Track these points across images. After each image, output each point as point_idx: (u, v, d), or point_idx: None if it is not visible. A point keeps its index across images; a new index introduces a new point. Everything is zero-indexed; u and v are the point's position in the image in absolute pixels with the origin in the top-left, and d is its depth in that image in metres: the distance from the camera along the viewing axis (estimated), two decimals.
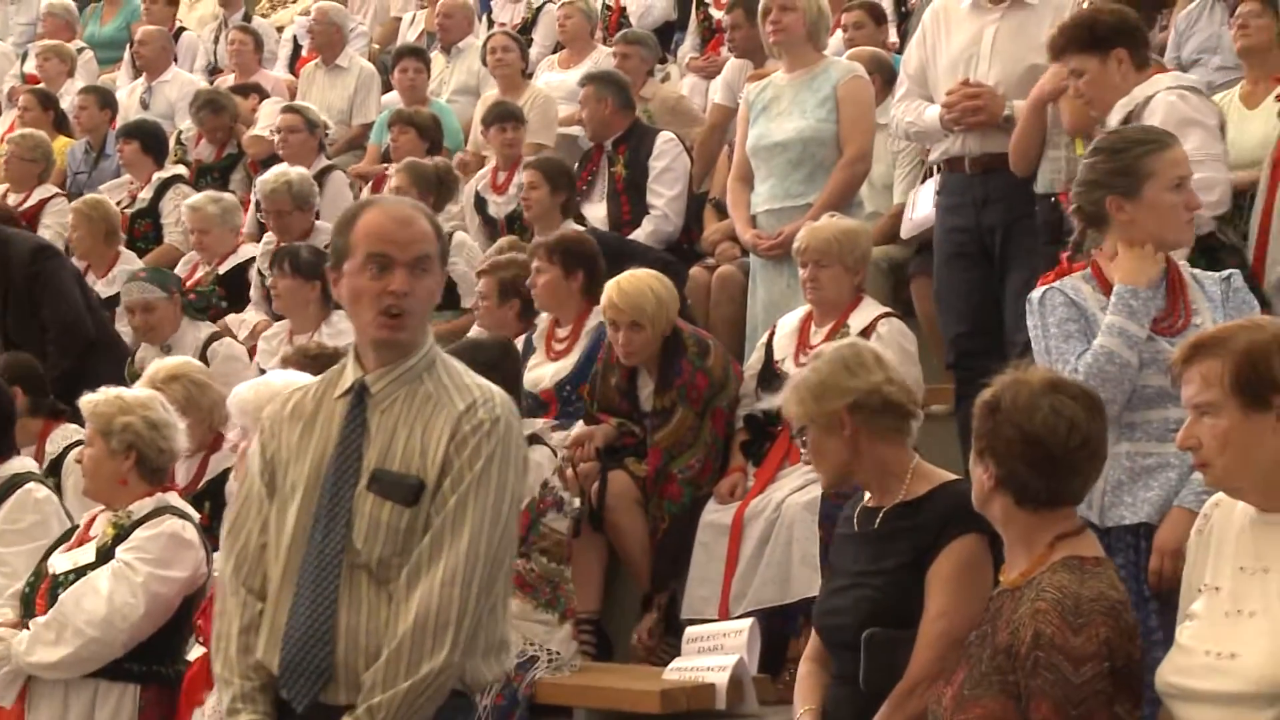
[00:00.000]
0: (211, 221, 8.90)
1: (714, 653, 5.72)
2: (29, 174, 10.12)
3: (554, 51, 10.82)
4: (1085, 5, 6.39)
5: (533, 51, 10.88)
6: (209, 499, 6.29)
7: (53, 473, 6.70)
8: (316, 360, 5.80)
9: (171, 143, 10.60)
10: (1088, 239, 4.56)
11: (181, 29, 12.84)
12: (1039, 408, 3.72)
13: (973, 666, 3.68)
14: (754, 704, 5.69)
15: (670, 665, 5.84)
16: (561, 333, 7.12)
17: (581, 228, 7.93)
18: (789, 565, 5.98)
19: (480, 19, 11.75)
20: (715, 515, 6.30)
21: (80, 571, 5.09)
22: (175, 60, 12.13)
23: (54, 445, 7.05)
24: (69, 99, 11.54)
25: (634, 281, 6.49)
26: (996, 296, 6.37)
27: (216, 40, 12.59)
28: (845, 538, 4.41)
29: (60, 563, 5.18)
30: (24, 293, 8.27)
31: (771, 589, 6.02)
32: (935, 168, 7.00)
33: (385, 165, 9.59)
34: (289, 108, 9.96)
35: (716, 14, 10.33)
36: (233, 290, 8.89)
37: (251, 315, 8.66)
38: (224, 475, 6.24)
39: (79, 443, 6.17)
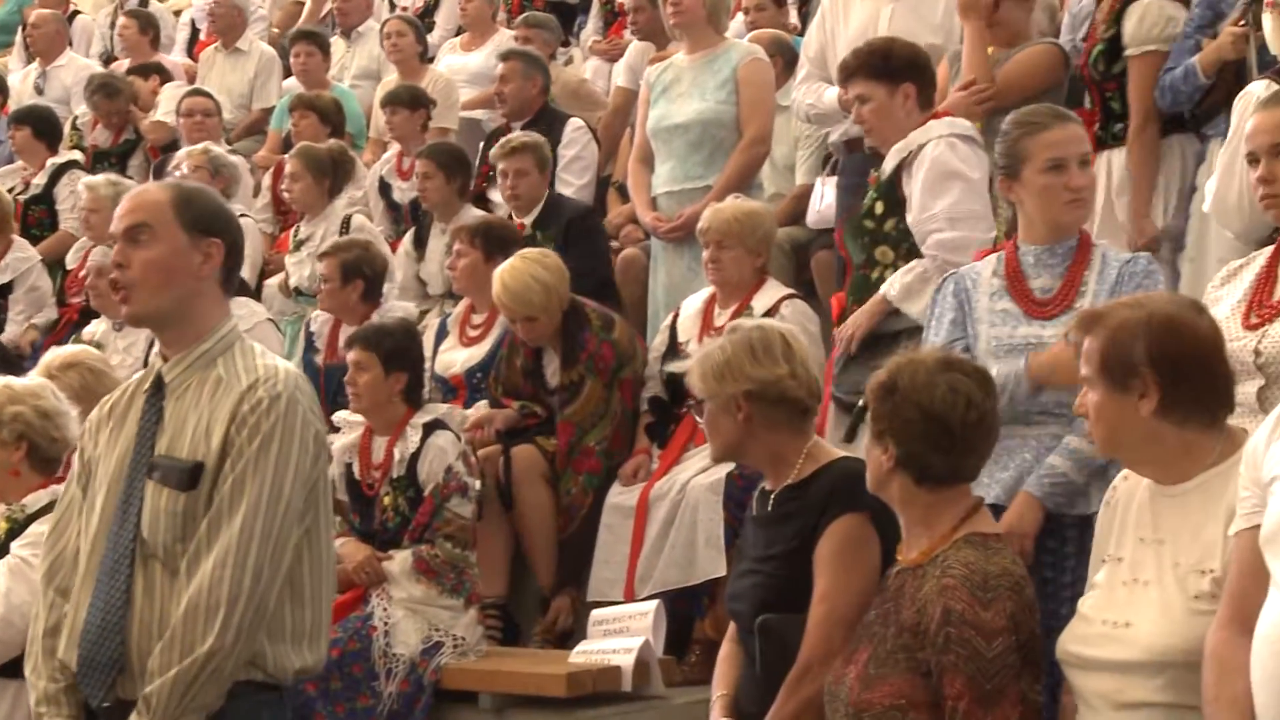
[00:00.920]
0: (103, 203, 8.77)
1: (620, 635, 5.72)
2: None
3: (455, 35, 10.76)
4: None
5: (434, 35, 10.82)
6: None
7: None
8: None
9: (67, 128, 10.45)
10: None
11: (76, 12, 12.66)
12: (937, 385, 3.75)
13: (877, 645, 3.69)
14: (660, 686, 5.70)
15: (576, 648, 5.83)
16: (477, 319, 7.08)
17: (484, 212, 7.90)
18: (694, 547, 5.99)
19: (383, 2, 11.68)
20: (620, 498, 6.30)
21: None
22: (70, 44, 11.95)
23: None
24: None
25: (516, 276, 6.41)
26: None
27: (113, 25, 12.41)
28: (749, 521, 4.44)
29: None
30: None
31: (676, 571, 6.03)
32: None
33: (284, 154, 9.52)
34: (196, 91, 9.84)
35: None
36: None
37: None
38: None
39: None
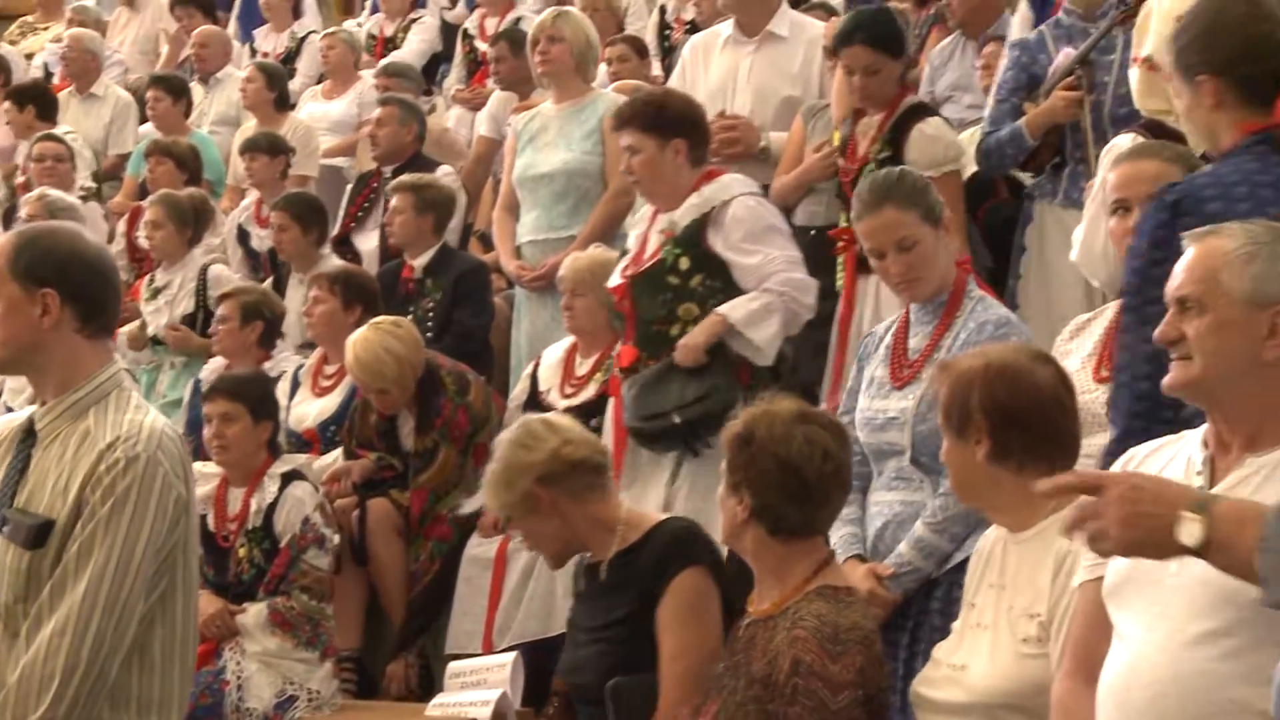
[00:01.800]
0: None
1: (477, 687, 5.65)
2: None
3: (317, 82, 10.70)
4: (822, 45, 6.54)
5: (296, 82, 10.74)
6: None
7: None
8: None
9: None
10: None
11: None
12: (794, 437, 3.77)
13: (727, 697, 3.70)
14: None
15: (433, 701, 5.76)
16: (330, 369, 7.01)
17: (343, 260, 7.83)
18: (553, 598, 5.97)
19: (243, 47, 11.58)
20: (479, 549, 6.26)
21: None
22: None
23: None
24: None
25: (368, 348, 6.31)
26: None
27: None
28: (578, 596, 4.48)
29: None
30: None
31: (535, 623, 6.01)
32: None
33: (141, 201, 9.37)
34: (48, 135, 9.67)
35: (482, 46, 10.31)
36: None
37: None
38: None
39: None
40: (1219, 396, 2.93)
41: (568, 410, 6.10)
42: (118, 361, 3.55)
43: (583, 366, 6.42)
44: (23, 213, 8.20)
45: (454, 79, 10.79)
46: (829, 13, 7.68)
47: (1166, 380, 2.99)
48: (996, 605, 3.53)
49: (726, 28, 6.83)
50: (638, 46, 9.04)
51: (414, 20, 11.16)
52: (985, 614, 3.55)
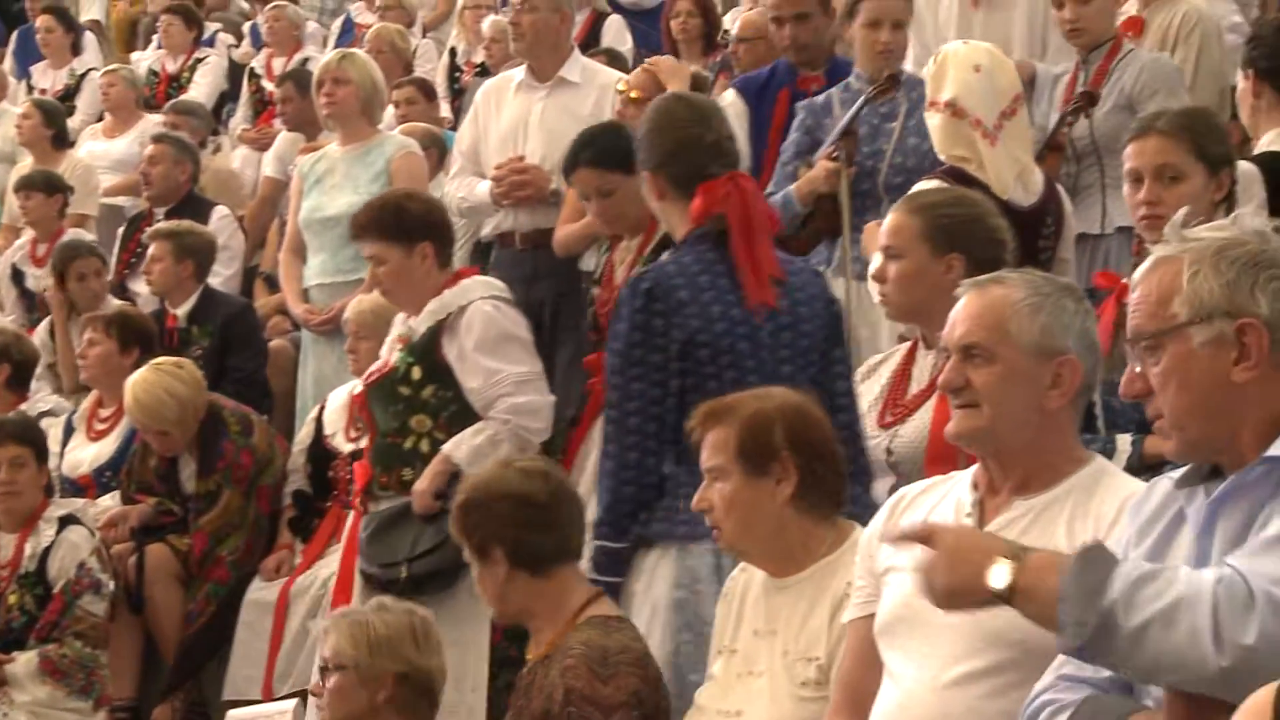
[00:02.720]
0: None
1: None
2: None
3: (98, 120, 10.49)
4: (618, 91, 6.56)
5: (76, 119, 10.52)
6: None
7: None
8: None
9: None
10: None
11: None
12: (507, 474, 3.89)
13: None
14: None
15: None
16: (105, 412, 6.87)
17: (123, 302, 7.68)
18: None
19: (19, 84, 11.31)
20: (260, 593, 6.19)
21: None
22: None
23: None
24: None
25: (149, 389, 6.18)
26: (549, 369, 6.44)
27: None
28: None
29: None
30: None
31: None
32: (489, 244, 7.05)
33: None
34: None
35: (269, 86, 10.22)
36: None
37: None
38: None
39: None
40: (1002, 444, 2.99)
41: (351, 455, 6.07)
42: None
43: None
44: None
45: (240, 118, 10.69)
46: (611, 59, 7.75)
47: (950, 428, 3.03)
48: (770, 652, 3.53)
49: (519, 73, 6.85)
50: (425, 89, 9.04)
51: (199, 60, 11.02)
52: (757, 662, 3.54)
